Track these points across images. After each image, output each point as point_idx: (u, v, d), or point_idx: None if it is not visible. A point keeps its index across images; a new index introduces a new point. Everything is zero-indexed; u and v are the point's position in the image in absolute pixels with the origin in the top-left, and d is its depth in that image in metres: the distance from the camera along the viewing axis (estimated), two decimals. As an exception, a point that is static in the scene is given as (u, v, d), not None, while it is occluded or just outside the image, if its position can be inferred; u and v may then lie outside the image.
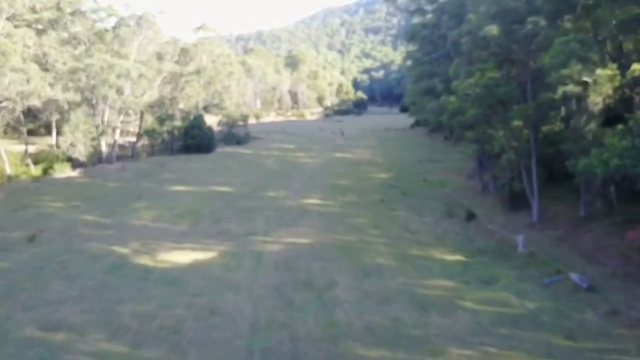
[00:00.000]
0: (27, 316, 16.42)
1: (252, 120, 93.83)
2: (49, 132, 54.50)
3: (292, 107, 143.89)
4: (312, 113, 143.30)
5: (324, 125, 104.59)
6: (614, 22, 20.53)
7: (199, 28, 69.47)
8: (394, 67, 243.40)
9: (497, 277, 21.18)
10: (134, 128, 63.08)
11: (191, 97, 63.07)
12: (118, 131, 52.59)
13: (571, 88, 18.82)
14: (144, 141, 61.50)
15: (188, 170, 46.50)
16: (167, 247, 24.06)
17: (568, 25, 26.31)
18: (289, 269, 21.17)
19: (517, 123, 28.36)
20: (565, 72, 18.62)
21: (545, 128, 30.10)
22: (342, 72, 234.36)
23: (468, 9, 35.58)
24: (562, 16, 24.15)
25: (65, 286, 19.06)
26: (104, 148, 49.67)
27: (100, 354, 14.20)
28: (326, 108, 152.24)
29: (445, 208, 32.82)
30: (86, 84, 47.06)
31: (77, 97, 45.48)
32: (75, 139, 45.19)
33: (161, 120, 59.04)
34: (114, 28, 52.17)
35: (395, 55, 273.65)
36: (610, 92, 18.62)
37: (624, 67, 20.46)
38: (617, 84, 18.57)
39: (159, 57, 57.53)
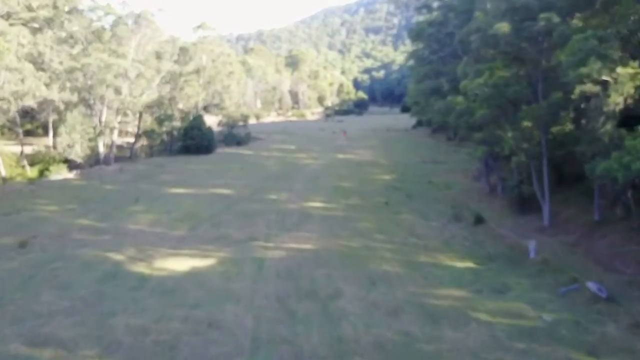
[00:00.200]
0: (14, 330, 15.43)
1: (252, 121, 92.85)
2: (46, 133, 53.58)
3: (293, 107, 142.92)
4: (313, 113, 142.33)
5: (325, 125, 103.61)
6: (632, 18, 19.57)
7: (198, 27, 68.41)
8: (395, 67, 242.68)
9: (509, 286, 20.18)
10: (132, 128, 62.16)
11: (191, 97, 62.09)
12: (116, 132, 51.61)
13: (589, 87, 17.84)
14: (143, 142, 60.53)
15: (187, 172, 45.52)
16: (164, 254, 23.06)
17: (580, 22, 25.39)
18: (291, 277, 20.18)
19: (526, 124, 27.37)
20: (583, 70, 17.63)
21: (554, 129, 29.11)
22: (343, 72, 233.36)
23: (476, 6, 34.59)
24: (577, 12, 23.17)
25: (56, 296, 18.06)
26: (101, 149, 48.69)
27: (90, 373, 13.23)
28: (327, 108, 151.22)
29: (452, 211, 31.82)
30: (83, 83, 46.07)
31: (74, 97, 44.51)
32: (72, 140, 44.21)
33: (160, 121, 58.05)
34: (112, 26, 51.11)
35: (396, 55, 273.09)
36: (632, 91, 17.62)
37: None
38: (639, 82, 17.57)
39: (158, 56, 56.52)
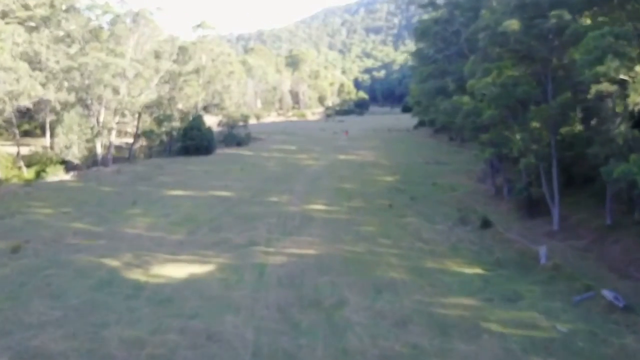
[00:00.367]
0: (1, 343, 14.60)
1: (252, 121, 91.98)
2: (44, 134, 52.76)
3: (293, 107, 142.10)
4: (314, 113, 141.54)
5: (326, 125, 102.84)
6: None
7: (198, 26, 67.51)
8: (395, 67, 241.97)
9: (521, 294, 19.35)
10: (131, 129, 61.31)
11: (190, 97, 61.23)
12: (114, 132, 50.76)
13: (606, 87, 17.04)
14: (142, 142, 59.70)
15: (186, 173, 44.71)
16: (162, 260, 22.24)
17: (588, 19, 24.60)
18: (293, 285, 19.36)
19: (535, 124, 26.58)
20: (600, 69, 16.81)
21: (563, 130, 28.33)
22: (343, 72, 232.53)
23: (483, 3, 33.72)
24: (591, 9, 22.35)
25: (47, 306, 17.24)
26: (99, 150, 47.83)
27: (80, 391, 12.41)
28: (327, 108, 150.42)
29: (457, 214, 31.03)
30: (80, 83, 45.23)
31: (70, 97, 43.68)
32: (69, 141, 43.36)
33: (159, 121, 57.21)
34: (110, 25, 50.26)
35: (397, 55, 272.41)
36: (652, 91, 16.83)
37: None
38: (659, 82, 16.79)
39: (157, 55, 55.64)
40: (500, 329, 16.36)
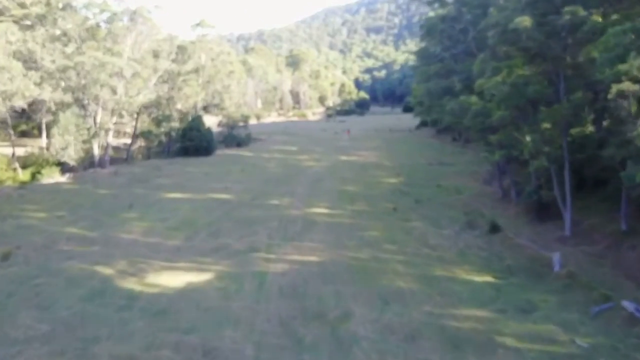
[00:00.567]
0: (-17, 361, 13.65)
1: (253, 121, 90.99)
2: (42, 134, 51.85)
3: (294, 107, 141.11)
4: (314, 113, 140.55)
5: (327, 125, 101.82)
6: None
7: (197, 25, 66.47)
8: (396, 67, 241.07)
9: (535, 304, 18.36)
10: (130, 129, 60.31)
11: (189, 97, 60.16)
12: (111, 133, 49.72)
13: (628, 86, 16.05)
14: (141, 143, 58.73)
15: (185, 175, 43.69)
16: (158, 267, 21.26)
17: (599, 16, 23.57)
18: (296, 296, 18.36)
19: (545, 125, 25.56)
20: (622, 67, 15.84)
21: (574, 131, 27.30)
22: (344, 72, 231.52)
23: (492, 0, 32.59)
24: (608, 4, 21.38)
25: (35, 319, 16.27)
26: (96, 151, 46.81)
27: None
28: (328, 108, 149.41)
29: (464, 218, 30.00)
30: (77, 83, 44.22)
31: (66, 97, 42.68)
32: (65, 142, 42.36)
33: (158, 122, 56.19)
34: (106, 23, 49.17)
35: (397, 55, 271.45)
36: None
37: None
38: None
39: (155, 54, 54.58)
40: (516, 344, 15.40)
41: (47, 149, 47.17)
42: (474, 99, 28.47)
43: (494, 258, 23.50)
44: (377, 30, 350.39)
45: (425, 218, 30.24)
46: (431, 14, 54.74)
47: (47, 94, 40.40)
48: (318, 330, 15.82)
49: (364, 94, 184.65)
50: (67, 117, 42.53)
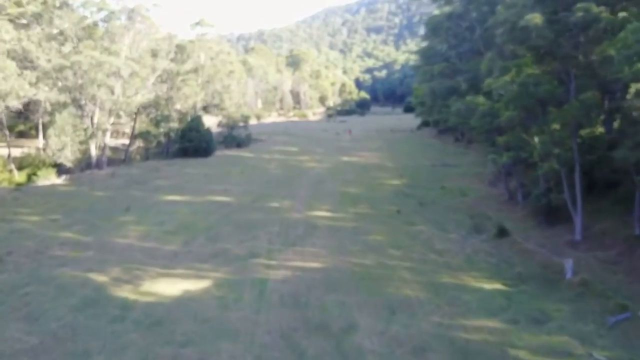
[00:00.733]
0: (-35, 379, 12.82)
1: (253, 121, 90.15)
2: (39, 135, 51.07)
3: (294, 108, 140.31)
4: (315, 113, 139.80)
5: (328, 126, 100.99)
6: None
7: (196, 24, 65.58)
8: (397, 67, 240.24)
9: (548, 314, 17.53)
10: (129, 130, 59.46)
11: (188, 97, 59.23)
12: (108, 134, 48.89)
13: (648, 85, 15.27)
14: (139, 144, 57.90)
15: (184, 177, 42.84)
16: (154, 274, 20.42)
17: (608, 13, 22.72)
18: (298, 305, 17.52)
19: (554, 126, 24.72)
20: (643, 65, 15.03)
21: (583, 132, 26.48)
22: (344, 72, 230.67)
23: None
24: (620, 1, 20.55)
25: (23, 331, 15.43)
26: (93, 152, 45.95)
27: None
28: (329, 108, 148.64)
29: (470, 221, 29.22)
30: (74, 83, 43.37)
31: (62, 97, 41.84)
32: (62, 143, 41.51)
33: (156, 122, 55.33)
34: (103, 22, 48.29)
35: (398, 55, 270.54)
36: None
37: None
38: None
39: (153, 54, 53.67)
40: (530, 357, 14.61)
41: (44, 149, 46.35)
42: (481, 99, 27.61)
43: (503, 264, 22.66)
44: (378, 30, 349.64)
45: (430, 221, 29.41)
46: (436, 12, 53.76)
47: (43, 94, 39.52)
48: (321, 343, 14.99)
49: (364, 94, 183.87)
50: (63, 118, 41.70)
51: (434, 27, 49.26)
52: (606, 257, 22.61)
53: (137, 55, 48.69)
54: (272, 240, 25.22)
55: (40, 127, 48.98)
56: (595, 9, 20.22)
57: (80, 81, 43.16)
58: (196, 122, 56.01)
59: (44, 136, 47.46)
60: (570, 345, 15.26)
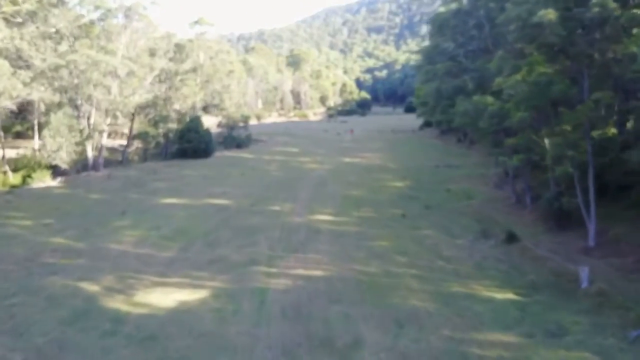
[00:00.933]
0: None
1: (253, 121, 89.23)
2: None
3: (295, 108, 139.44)
4: (315, 113, 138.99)
5: (328, 126, 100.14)
6: None
7: (195, 22, 64.61)
8: (397, 67, 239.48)
9: (565, 327, 16.50)
10: (127, 130, 58.44)
11: (187, 97, 58.25)
12: (105, 135, 47.89)
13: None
14: (138, 145, 56.91)
15: (182, 179, 41.87)
16: (148, 283, 19.43)
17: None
18: (300, 318, 16.51)
19: (565, 127, 23.73)
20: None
21: (595, 133, 25.48)
22: (345, 72, 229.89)
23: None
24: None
25: (6, 346, 14.43)
26: (89, 153, 44.95)
27: None
28: (329, 108, 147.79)
29: (478, 226, 28.20)
30: (69, 82, 42.38)
31: (56, 97, 40.85)
32: (57, 144, 40.52)
33: (155, 123, 54.34)
34: (99, 20, 47.28)
35: (399, 55, 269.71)
36: None
37: None
38: None
39: (151, 53, 52.65)
40: (550, 376, 13.61)
41: (39, 151, 45.37)
42: (489, 99, 26.61)
43: (514, 272, 21.66)
44: (378, 30, 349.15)
45: (437, 226, 28.43)
46: (441, 9, 52.64)
47: (37, 94, 38.53)
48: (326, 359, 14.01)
49: (365, 94, 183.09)
50: (58, 118, 40.72)
51: (440, 25, 48.14)
52: (622, 264, 21.63)
53: (134, 55, 47.69)
54: (272, 246, 24.23)
55: (36, 127, 47.96)
56: (612, 4, 19.23)
57: (76, 81, 42.17)
58: (195, 122, 55.06)
59: (40, 137, 46.46)
60: (591, 362, 14.27)
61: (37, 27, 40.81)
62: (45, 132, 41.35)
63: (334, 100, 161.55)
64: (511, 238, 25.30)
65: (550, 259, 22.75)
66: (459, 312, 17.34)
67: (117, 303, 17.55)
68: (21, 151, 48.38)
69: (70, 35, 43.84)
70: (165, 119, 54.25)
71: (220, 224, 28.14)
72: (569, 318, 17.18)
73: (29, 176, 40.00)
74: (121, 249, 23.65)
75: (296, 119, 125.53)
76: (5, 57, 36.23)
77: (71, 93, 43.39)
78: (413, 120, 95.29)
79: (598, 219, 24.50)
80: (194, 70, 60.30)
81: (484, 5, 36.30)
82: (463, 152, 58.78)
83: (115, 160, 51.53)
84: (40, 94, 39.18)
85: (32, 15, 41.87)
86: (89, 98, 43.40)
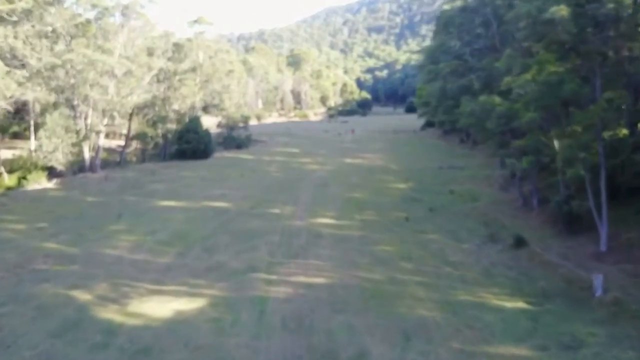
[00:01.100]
0: None
1: (253, 121, 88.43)
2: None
3: (295, 108, 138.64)
4: (316, 113, 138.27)
5: (329, 126, 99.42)
6: None
7: (194, 22, 63.77)
8: (398, 67, 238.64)
9: (580, 339, 15.68)
10: (126, 131, 57.63)
11: (186, 98, 57.46)
12: (102, 135, 47.08)
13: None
14: (136, 145, 56.09)
15: (181, 180, 41.07)
16: (143, 291, 18.64)
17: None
18: (302, 329, 15.70)
19: (576, 128, 22.91)
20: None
21: (606, 134, 24.66)
22: (345, 72, 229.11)
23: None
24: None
25: (-9, 361, 13.65)
26: (86, 155, 44.13)
27: None
28: (330, 108, 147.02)
29: (484, 230, 27.38)
30: (66, 82, 41.56)
31: (51, 97, 40.04)
32: (53, 145, 39.70)
33: (153, 123, 53.53)
34: (96, 19, 46.44)
35: (399, 55, 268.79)
36: None
37: None
38: None
39: (149, 52, 51.83)
40: (567, 393, 12.79)
41: (35, 152, 44.56)
42: (497, 99, 25.78)
43: (524, 278, 20.82)
44: (379, 30, 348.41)
45: (442, 229, 27.62)
46: (446, 6, 51.67)
47: (32, 94, 37.72)
48: (329, 376, 13.21)
49: (365, 94, 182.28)
50: (54, 119, 39.94)
51: (445, 23, 47.14)
52: (635, 270, 20.77)
53: (132, 54, 46.86)
54: (272, 251, 23.42)
55: (32, 128, 47.12)
56: (627, 0, 18.41)
57: (72, 80, 41.39)
58: (194, 123, 54.29)
59: (36, 138, 45.65)
60: (610, 377, 13.47)
61: (33, 26, 39.94)
62: (41, 132, 40.52)
63: (334, 101, 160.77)
64: (519, 242, 24.47)
65: (561, 264, 21.91)
66: (468, 323, 16.53)
67: (110, 313, 16.75)
68: (17, 152, 47.57)
69: (67, 34, 43.01)
70: (163, 119, 53.47)
71: (218, 228, 27.34)
72: (584, 329, 16.36)
73: (24, 178, 39.18)
74: (116, 254, 22.85)
75: (296, 119, 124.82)
76: (-1, 56, 35.44)
77: (67, 93, 42.58)
78: (414, 121, 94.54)
79: (609, 223, 23.68)
80: (193, 70, 59.47)
81: (491, 2, 35.38)
82: (466, 153, 57.91)
83: (113, 161, 50.73)
84: (35, 94, 38.36)
85: (27, 13, 40.93)
86: (85, 98, 42.60)
